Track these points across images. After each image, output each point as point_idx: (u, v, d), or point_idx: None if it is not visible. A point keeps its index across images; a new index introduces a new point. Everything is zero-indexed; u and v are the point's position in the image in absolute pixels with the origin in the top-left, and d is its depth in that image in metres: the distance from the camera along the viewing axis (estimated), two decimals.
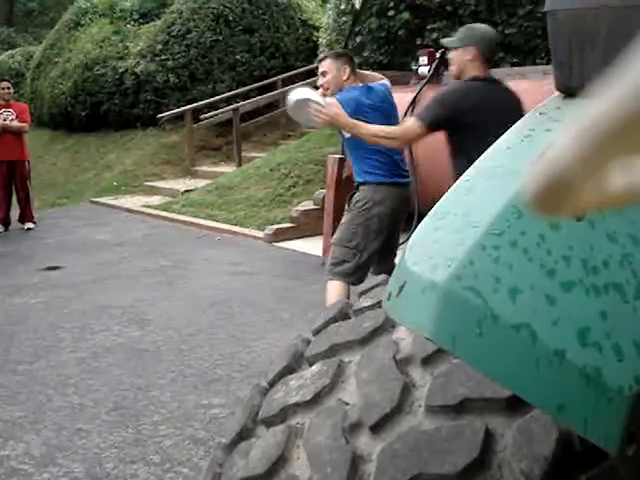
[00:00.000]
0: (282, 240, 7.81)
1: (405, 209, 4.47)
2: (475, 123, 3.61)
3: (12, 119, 9.25)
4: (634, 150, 0.44)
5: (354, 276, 4.26)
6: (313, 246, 7.24)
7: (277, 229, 8.00)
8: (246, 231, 8.39)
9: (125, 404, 3.83)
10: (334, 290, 4.25)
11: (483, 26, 4.01)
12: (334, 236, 4.50)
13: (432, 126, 3.66)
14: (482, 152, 1.18)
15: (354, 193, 4.39)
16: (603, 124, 0.44)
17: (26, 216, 9.41)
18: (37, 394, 4.02)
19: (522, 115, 1.33)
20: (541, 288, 0.93)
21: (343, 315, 1.61)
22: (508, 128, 1.24)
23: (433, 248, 1.00)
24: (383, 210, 4.26)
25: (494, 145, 1.20)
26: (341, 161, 6.45)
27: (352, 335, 1.48)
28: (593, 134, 0.44)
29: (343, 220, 4.45)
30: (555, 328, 0.92)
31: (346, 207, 4.49)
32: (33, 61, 17.69)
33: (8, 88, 9.41)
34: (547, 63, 7.16)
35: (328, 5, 10.88)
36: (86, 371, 4.33)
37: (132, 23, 15.96)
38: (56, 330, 5.13)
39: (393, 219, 4.34)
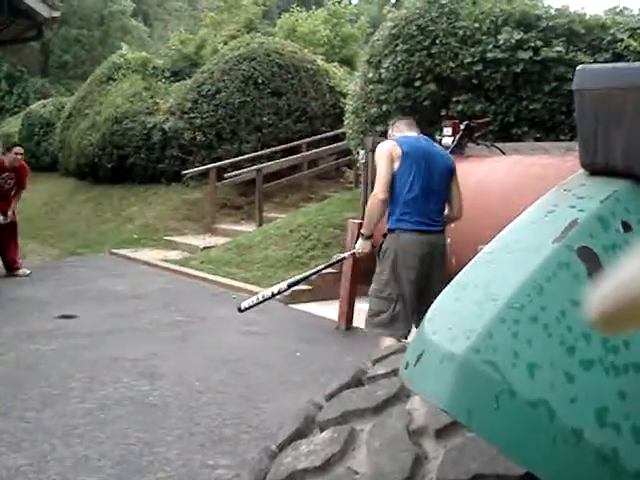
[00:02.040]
0: (298, 302, 7.80)
1: (437, 256, 4.42)
2: None
3: (11, 183, 9.42)
4: None
5: (392, 326, 4.28)
6: (329, 310, 7.21)
7: (293, 291, 7.98)
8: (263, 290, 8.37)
9: (130, 459, 3.78)
10: (382, 344, 4.24)
11: None
12: (370, 288, 4.58)
13: None
14: None
15: (382, 242, 4.49)
16: None
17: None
18: (42, 443, 3.98)
19: None
20: (560, 365, 0.93)
21: (357, 382, 1.60)
22: None
23: (453, 319, 1.00)
24: (409, 257, 4.30)
25: (517, 219, 1.21)
26: (361, 226, 6.46)
27: (365, 403, 1.46)
28: None
29: (376, 271, 4.54)
30: (573, 406, 0.91)
31: (377, 258, 4.56)
32: (64, 111, 18.04)
33: (21, 154, 9.49)
34: (571, 139, 7.21)
35: (356, 73, 11.07)
36: (93, 422, 4.29)
37: (163, 80, 16.30)
38: (66, 379, 5.11)
39: (423, 266, 4.33)
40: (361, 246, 4.60)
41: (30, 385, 4.99)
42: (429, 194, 4.37)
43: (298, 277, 4.96)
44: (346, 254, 5.09)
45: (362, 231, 4.60)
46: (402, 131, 4.75)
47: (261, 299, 4.70)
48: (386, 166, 4.38)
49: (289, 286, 4.85)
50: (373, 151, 5.26)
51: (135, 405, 4.61)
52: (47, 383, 5.02)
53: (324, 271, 8.05)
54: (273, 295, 4.75)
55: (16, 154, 9.36)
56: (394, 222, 4.41)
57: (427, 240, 4.36)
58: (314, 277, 6.44)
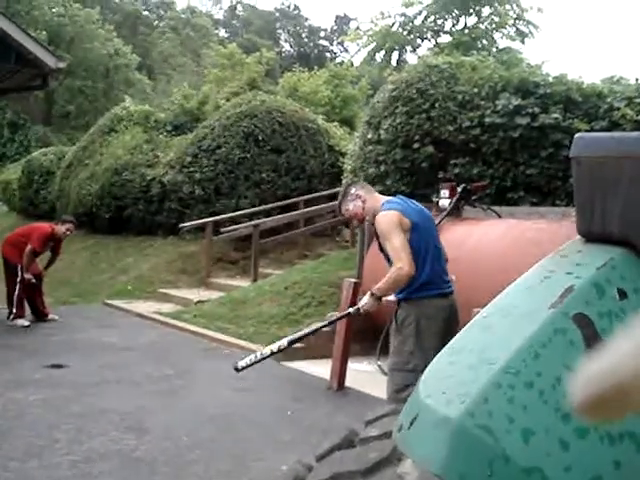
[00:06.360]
0: (290, 359, 7.72)
1: (455, 318, 4.27)
2: None
3: (47, 249, 9.77)
4: None
5: None
6: (321, 368, 7.15)
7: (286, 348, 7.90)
8: (255, 347, 8.30)
9: None
10: None
11: None
12: (390, 361, 4.38)
13: None
14: None
15: (397, 310, 4.35)
16: None
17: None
18: None
19: None
20: (555, 432, 0.91)
21: (348, 443, 1.57)
22: None
23: (447, 382, 0.99)
24: (433, 323, 4.19)
25: (514, 283, 1.21)
26: (356, 285, 6.45)
27: (356, 465, 1.44)
28: None
29: (395, 343, 4.35)
30: (567, 474, 0.89)
31: (393, 327, 4.40)
32: (64, 161, 18.14)
33: (71, 232, 9.87)
34: (567, 205, 7.26)
35: (356, 133, 11.21)
36: (78, 475, 4.22)
37: (165, 134, 16.44)
38: (52, 430, 5.03)
39: (446, 330, 4.14)
40: (369, 305, 4.30)
41: (15, 434, 4.92)
42: (436, 257, 4.30)
43: (299, 334, 4.73)
44: (351, 310, 4.81)
45: (374, 291, 4.28)
46: (372, 193, 4.61)
47: (259, 358, 4.42)
48: (403, 238, 4.15)
49: (290, 344, 4.59)
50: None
51: (121, 459, 4.53)
52: (33, 433, 4.94)
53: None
54: (272, 353, 4.47)
55: (67, 230, 9.71)
56: (413, 292, 4.23)
57: (447, 303, 4.27)
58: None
